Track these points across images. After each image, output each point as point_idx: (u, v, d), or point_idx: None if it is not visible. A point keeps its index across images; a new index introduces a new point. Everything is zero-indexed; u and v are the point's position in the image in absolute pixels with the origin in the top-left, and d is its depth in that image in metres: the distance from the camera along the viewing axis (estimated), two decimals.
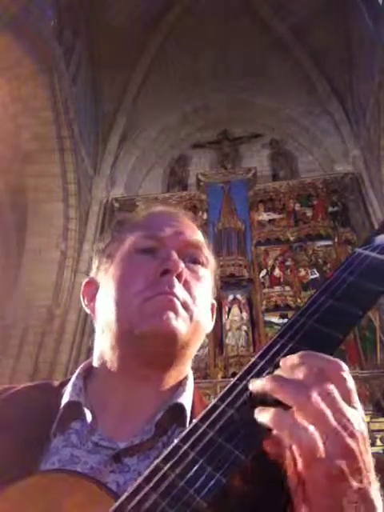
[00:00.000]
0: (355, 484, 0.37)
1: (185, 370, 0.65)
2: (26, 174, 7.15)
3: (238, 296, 6.62)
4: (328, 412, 0.37)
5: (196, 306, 0.63)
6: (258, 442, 0.38)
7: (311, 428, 0.37)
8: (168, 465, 0.38)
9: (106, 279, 0.67)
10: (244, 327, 6.31)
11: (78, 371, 0.66)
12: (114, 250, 0.69)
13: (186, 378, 0.65)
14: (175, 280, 0.61)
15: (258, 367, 0.42)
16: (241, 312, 6.46)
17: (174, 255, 0.63)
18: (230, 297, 6.58)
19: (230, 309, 6.46)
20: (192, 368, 0.68)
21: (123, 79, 8.66)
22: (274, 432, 0.37)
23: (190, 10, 8.41)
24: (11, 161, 7.10)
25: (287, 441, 0.37)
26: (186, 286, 0.63)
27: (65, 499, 0.43)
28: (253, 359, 0.43)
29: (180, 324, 0.59)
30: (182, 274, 0.62)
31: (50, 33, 6.61)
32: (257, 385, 0.40)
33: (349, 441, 0.38)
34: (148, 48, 8.64)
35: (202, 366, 5.85)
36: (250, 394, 0.40)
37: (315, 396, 0.38)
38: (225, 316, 6.37)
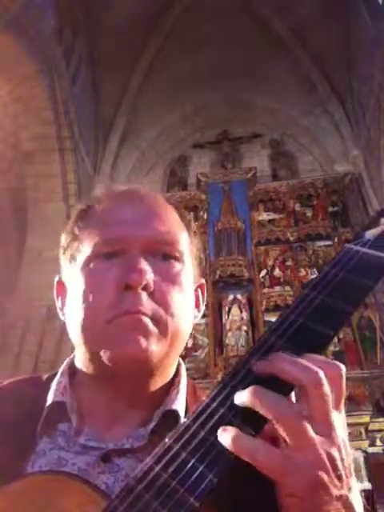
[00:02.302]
0: (336, 491, 0.38)
1: (173, 368, 0.62)
2: (26, 174, 7.15)
3: (238, 296, 6.62)
4: (308, 426, 0.37)
5: (170, 314, 0.55)
6: None
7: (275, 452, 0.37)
8: (160, 465, 0.38)
9: (71, 287, 0.60)
10: (244, 327, 6.31)
11: (62, 368, 0.63)
12: (75, 252, 0.61)
13: (178, 376, 0.62)
14: (141, 294, 0.53)
15: (250, 365, 0.42)
16: (241, 312, 6.46)
17: (138, 263, 0.54)
18: (230, 297, 6.58)
19: (229, 309, 6.46)
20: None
21: (123, 79, 8.66)
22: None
23: (190, 10, 8.40)
24: (11, 161, 7.10)
25: (259, 465, 0.37)
26: (157, 293, 0.55)
27: (57, 500, 0.43)
28: (244, 357, 0.43)
29: (151, 344, 0.53)
30: (149, 283, 0.54)
31: (50, 33, 6.61)
32: (240, 400, 0.39)
33: (331, 450, 0.38)
34: (148, 48, 8.64)
35: (202, 366, 5.85)
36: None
37: (297, 408, 0.38)
38: (225, 316, 6.37)
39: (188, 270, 0.62)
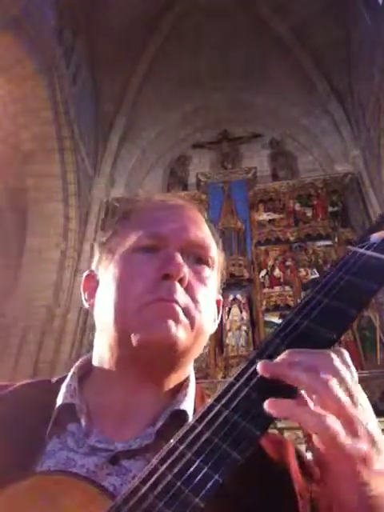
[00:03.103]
0: (378, 466, 0.38)
1: (187, 372, 0.64)
2: (25, 174, 7.15)
3: (238, 296, 6.62)
4: (346, 398, 0.38)
5: (198, 310, 0.59)
6: (253, 443, 0.38)
7: (331, 417, 0.37)
8: (165, 465, 0.38)
9: (106, 277, 0.64)
10: (244, 327, 6.31)
11: (72, 370, 0.64)
12: (115, 245, 0.65)
13: (187, 379, 0.63)
14: (177, 285, 0.57)
15: (254, 367, 0.42)
16: (241, 312, 6.46)
17: (177, 257, 0.59)
18: (230, 297, 6.57)
19: (230, 309, 6.46)
20: (193, 368, 0.67)
21: (123, 79, 8.66)
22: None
23: (190, 10, 8.41)
24: (11, 161, 7.09)
25: (309, 430, 0.37)
26: (189, 289, 0.59)
27: (62, 499, 0.43)
28: (249, 359, 0.43)
29: (180, 332, 0.56)
30: (185, 277, 0.58)
31: (50, 33, 6.61)
32: (270, 367, 0.39)
33: (369, 425, 0.39)
34: (148, 48, 8.64)
35: (202, 366, 5.85)
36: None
37: (332, 382, 0.38)
38: (225, 316, 6.37)
39: (215, 277, 0.67)
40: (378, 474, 0.38)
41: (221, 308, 0.74)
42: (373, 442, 0.38)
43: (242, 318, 6.40)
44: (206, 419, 0.40)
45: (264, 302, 6.48)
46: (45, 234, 7.05)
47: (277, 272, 6.84)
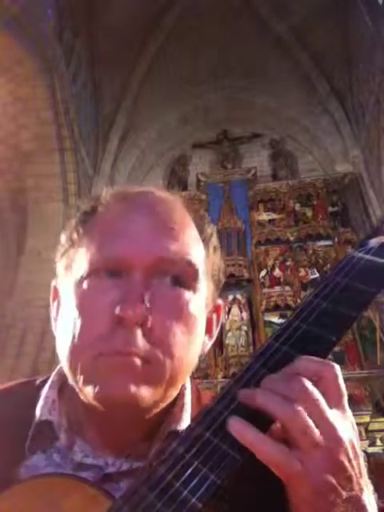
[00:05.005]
0: (345, 493, 0.37)
1: (172, 395, 0.53)
2: (25, 174, 7.16)
3: (238, 296, 6.63)
4: (313, 427, 0.37)
5: (170, 355, 0.49)
6: None
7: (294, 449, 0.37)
8: (164, 466, 0.39)
9: (64, 302, 0.54)
10: (244, 327, 6.32)
11: (51, 379, 0.57)
12: (71, 261, 0.54)
13: (182, 388, 0.57)
14: (136, 332, 0.47)
15: (254, 370, 0.42)
16: (241, 312, 6.47)
17: (137, 294, 0.47)
18: (230, 297, 6.58)
19: (230, 309, 6.46)
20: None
21: (123, 79, 8.67)
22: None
23: (190, 10, 8.40)
24: (11, 161, 7.09)
25: (267, 462, 0.37)
26: (157, 330, 0.48)
27: (62, 501, 0.43)
28: (248, 362, 0.44)
29: (141, 390, 0.47)
30: (147, 318, 0.47)
31: (50, 33, 6.61)
32: (245, 397, 0.39)
33: (337, 452, 0.37)
34: (148, 48, 8.64)
35: (202, 366, 5.85)
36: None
37: (302, 409, 0.37)
38: (225, 316, 6.38)
39: (200, 298, 0.54)
40: (345, 501, 0.37)
41: (222, 313, 0.64)
42: (342, 469, 0.38)
43: (242, 318, 6.40)
44: (206, 421, 0.40)
45: (264, 302, 6.48)
46: (45, 234, 7.04)
47: (277, 272, 6.84)
